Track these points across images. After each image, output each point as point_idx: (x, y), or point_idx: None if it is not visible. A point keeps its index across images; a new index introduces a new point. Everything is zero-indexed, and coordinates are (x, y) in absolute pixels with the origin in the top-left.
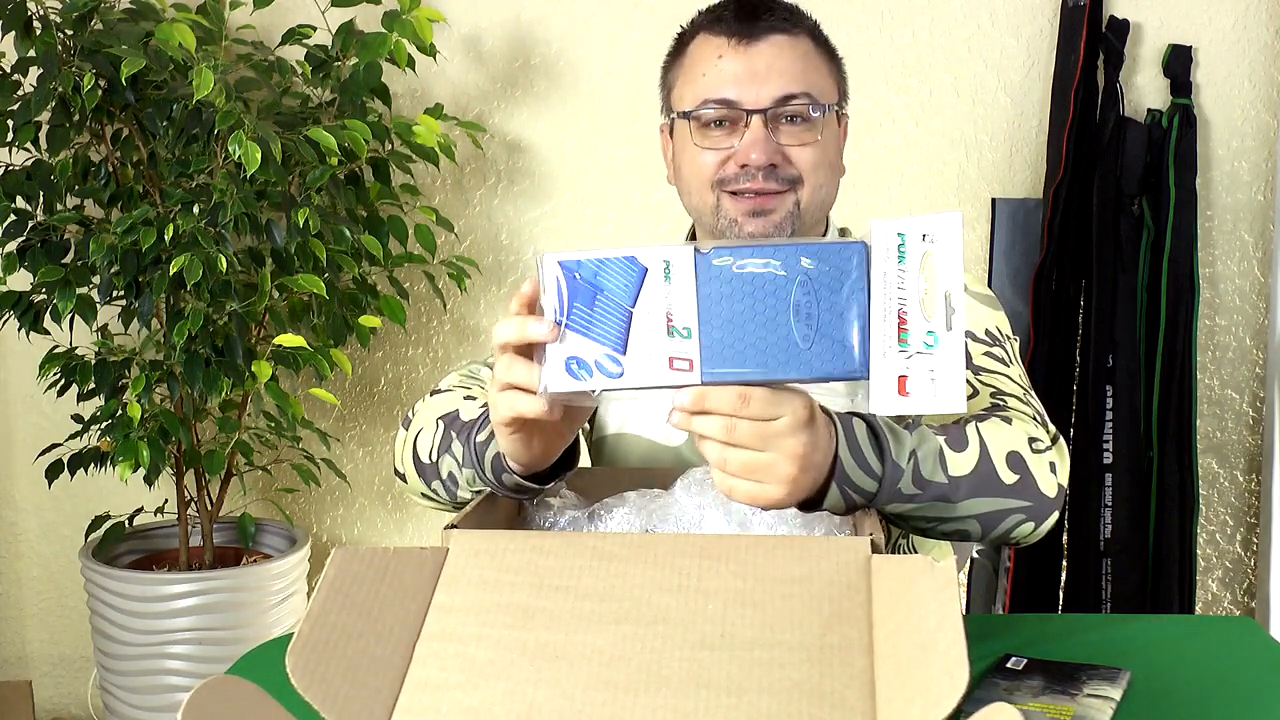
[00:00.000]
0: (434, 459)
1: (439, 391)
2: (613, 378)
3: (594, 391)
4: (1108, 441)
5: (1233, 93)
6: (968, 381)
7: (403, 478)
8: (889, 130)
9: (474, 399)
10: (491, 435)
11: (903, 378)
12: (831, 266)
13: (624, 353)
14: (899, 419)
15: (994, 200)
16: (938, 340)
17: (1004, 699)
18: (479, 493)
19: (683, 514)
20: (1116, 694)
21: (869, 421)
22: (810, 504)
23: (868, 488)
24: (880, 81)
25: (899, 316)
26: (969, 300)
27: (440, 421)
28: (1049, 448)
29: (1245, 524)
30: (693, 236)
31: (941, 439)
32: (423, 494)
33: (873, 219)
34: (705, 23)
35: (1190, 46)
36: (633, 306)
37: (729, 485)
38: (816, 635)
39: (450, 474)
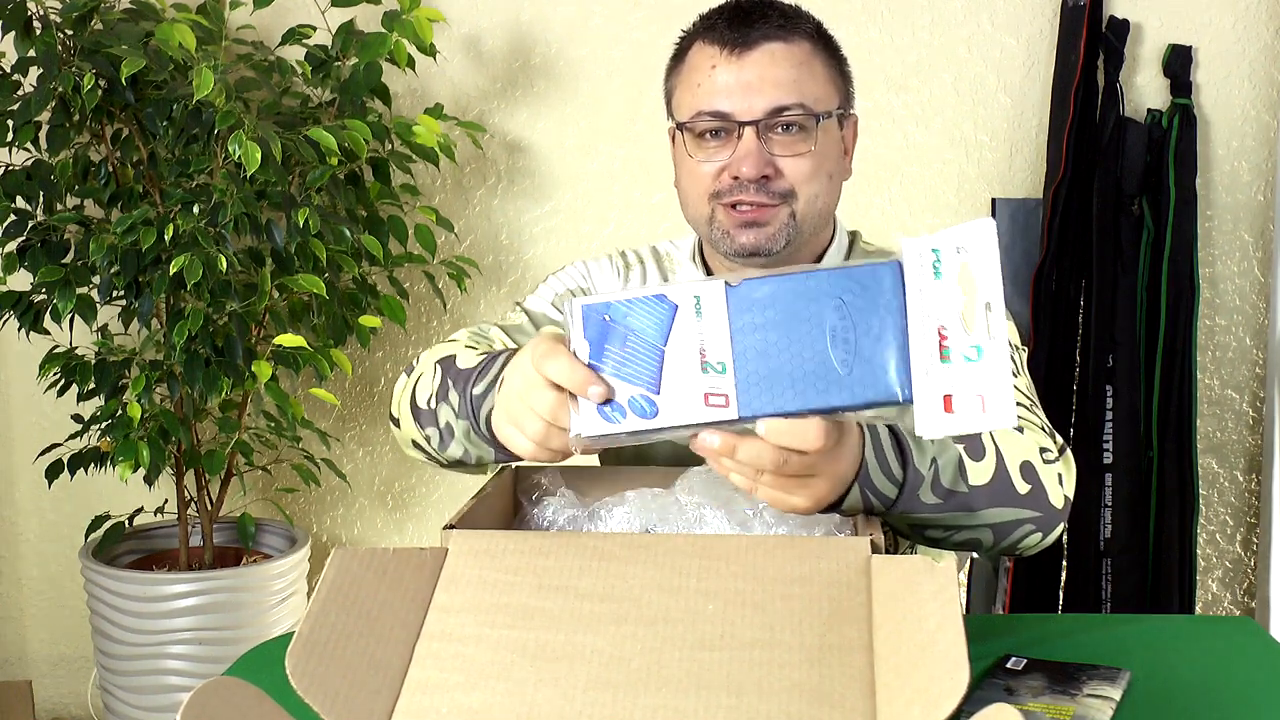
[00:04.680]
0: (432, 406)
1: (445, 343)
2: (647, 418)
3: (628, 433)
4: (1108, 441)
5: (1233, 93)
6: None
7: (396, 423)
8: (889, 130)
9: (475, 348)
10: (488, 389)
11: (948, 396)
12: (865, 288)
13: (658, 392)
14: None
15: (994, 200)
16: (982, 352)
17: (1004, 699)
18: (468, 457)
19: (683, 514)
20: (1116, 694)
21: (893, 428)
22: (829, 506)
23: (888, 493)
24: (880, 81)
25: (939, 333)
26: None
27: (438, 366)
28: (1057, 459)
29: (1245, 524)
30: (700, 244)
31: (960, 448)
32: (413, 441)
33: (902, 237)
34: (701, 29)
35: (1190, 46)
36: (665, 345)
37: (755, 486)
38: (816, 635)
39: (448, 424)
